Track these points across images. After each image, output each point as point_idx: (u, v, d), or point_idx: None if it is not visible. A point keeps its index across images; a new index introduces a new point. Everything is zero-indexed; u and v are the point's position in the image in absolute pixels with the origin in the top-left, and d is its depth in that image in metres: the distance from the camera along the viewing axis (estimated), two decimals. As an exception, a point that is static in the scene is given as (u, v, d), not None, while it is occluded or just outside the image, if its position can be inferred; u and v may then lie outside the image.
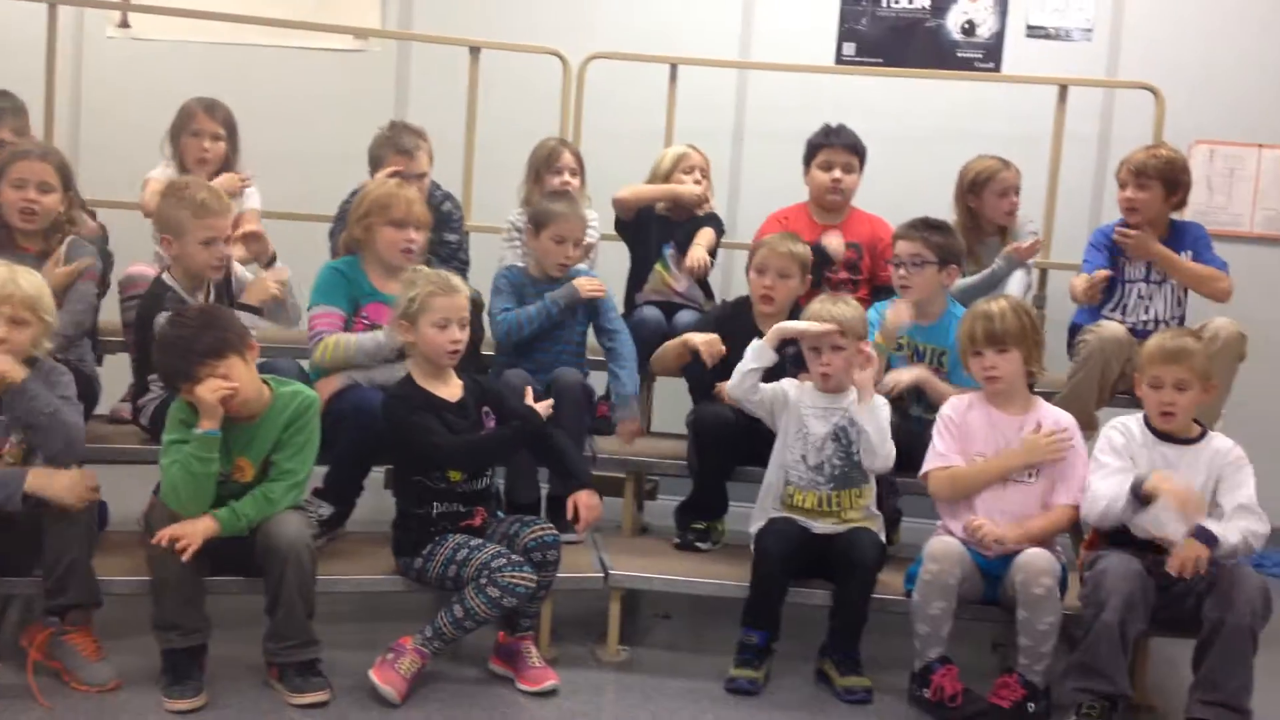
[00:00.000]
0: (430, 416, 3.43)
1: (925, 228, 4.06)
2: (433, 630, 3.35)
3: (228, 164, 4.39)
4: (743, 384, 3.70)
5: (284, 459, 3.35)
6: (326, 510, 3.73)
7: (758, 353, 3.69)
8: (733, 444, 3.88)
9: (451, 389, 3.56)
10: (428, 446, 3.41)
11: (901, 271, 4.05)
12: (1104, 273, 4.34)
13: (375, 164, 4.37)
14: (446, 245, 4.44)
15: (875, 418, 3.61)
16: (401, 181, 3.98)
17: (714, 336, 3.99)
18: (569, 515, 3.58)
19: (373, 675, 3.29)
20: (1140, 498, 3.33)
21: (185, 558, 3.12)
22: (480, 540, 3.44)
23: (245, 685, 3.32)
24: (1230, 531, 3.32)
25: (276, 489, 3.31)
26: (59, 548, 3.18)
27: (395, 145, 4.35)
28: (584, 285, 4.10)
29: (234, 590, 3.40)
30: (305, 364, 3.82)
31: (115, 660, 3.30)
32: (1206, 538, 3.27)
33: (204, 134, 4.34)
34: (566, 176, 4.53)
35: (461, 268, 4.35)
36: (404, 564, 3.52)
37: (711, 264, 4.62)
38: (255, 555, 3.26)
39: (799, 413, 3.70)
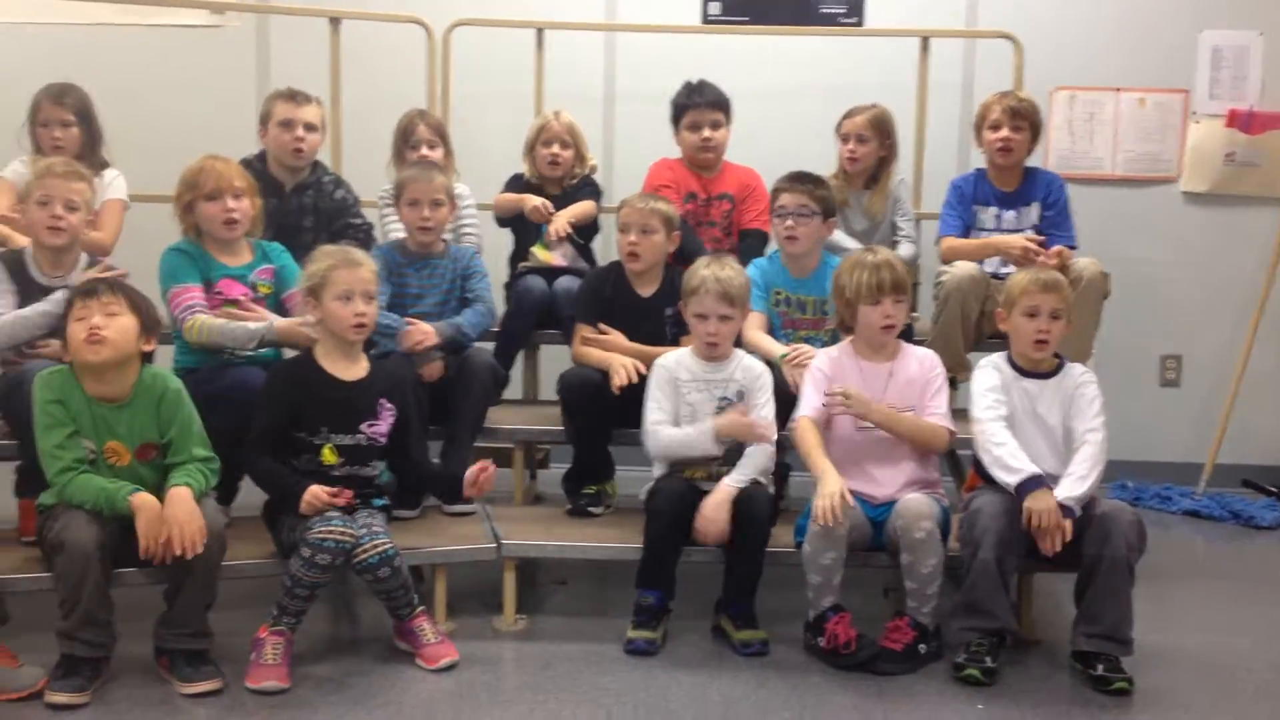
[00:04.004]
0: (279, 411, 3.43)
1: (807, 181, 4.09)
2: (277, 608, 3.30)
3: (87, 149, 4.25)
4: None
5: (188, 452, 3.27)
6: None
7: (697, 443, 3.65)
8: (601, 406, 3.89)
9: (354, 370, 3.53)
10: (251, 445, 3.43)
11: (789, 222, 4.05)
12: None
13: (264, 119, 4.32)
14: (357, 229, 4.37)
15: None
16: (212, 155, 3.85)
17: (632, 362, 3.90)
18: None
19: (248, 685, 3.20)
20: (1019, 497, 3.41)
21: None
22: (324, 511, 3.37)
23: (135, 680, 3.24)
24: (1074, 487, 3.41)
25: (207, 469, 3.28)
26: None
27: (285, 94, 4.31)
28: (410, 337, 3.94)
29: (140, 582, 3.30)
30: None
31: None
32: (1065, 511, 3.37)
33: (53, 123, 4.22)
34: (424, 150, 4.47)
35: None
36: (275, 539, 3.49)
37: (591, 234, 4.64)
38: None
39: (679, 389, 3.71)
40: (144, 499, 3.13)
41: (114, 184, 4.26)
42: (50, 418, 3.17)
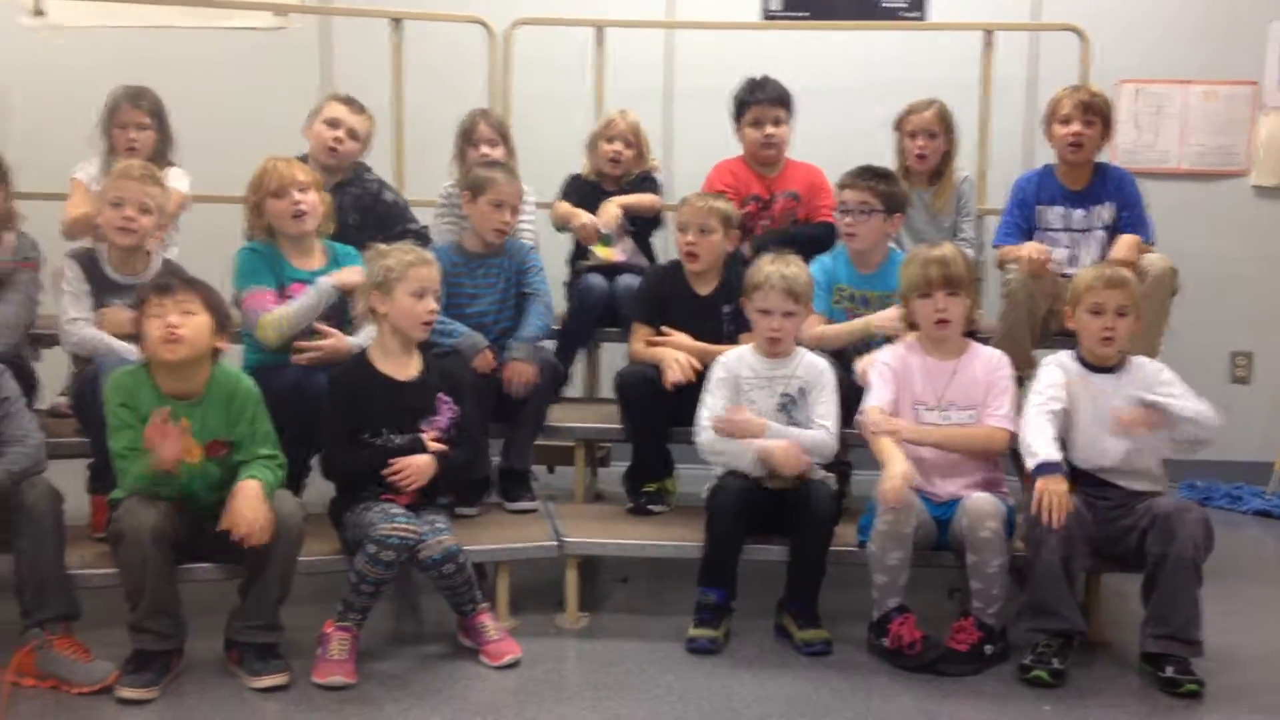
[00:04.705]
0: (346, 418, 3.47)
1: (871, 176, 4.05)
2: (343, 604, 3.33)
3: (160, 151, 4.33)
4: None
5: (254, 451, 3.30)
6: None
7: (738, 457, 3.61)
8: (658, 403, 3.89)
9: (409, 368, 3.55)
10: (326, 444, 3.49)
11: (848, 219, 4.04)
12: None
13: (312, 115, 4.36)
14: (416, 235, 4.38)
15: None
16: (274, 156, 3.88)
17: (686, 358, 3.91)
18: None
19: (315, 680, 3.24)
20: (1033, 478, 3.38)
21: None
22: (384, 505, 3.40)
23: (203, 674, 3.29)
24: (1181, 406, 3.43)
25: (274, 464, 3.30)
26: (31, 559, 3.15)
27: (342, 98, 4.36)
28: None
29: (212, 576, 3.36)
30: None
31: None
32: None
33: (129, 124, 4.30)
34: (484, 149, 4.47)
35: None
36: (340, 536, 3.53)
37: (653, 226, 4.67)
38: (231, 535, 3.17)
39: (740, 386, 3.70)
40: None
41: (179, 178, 4.33)
42: (119, 420, 3.21)
